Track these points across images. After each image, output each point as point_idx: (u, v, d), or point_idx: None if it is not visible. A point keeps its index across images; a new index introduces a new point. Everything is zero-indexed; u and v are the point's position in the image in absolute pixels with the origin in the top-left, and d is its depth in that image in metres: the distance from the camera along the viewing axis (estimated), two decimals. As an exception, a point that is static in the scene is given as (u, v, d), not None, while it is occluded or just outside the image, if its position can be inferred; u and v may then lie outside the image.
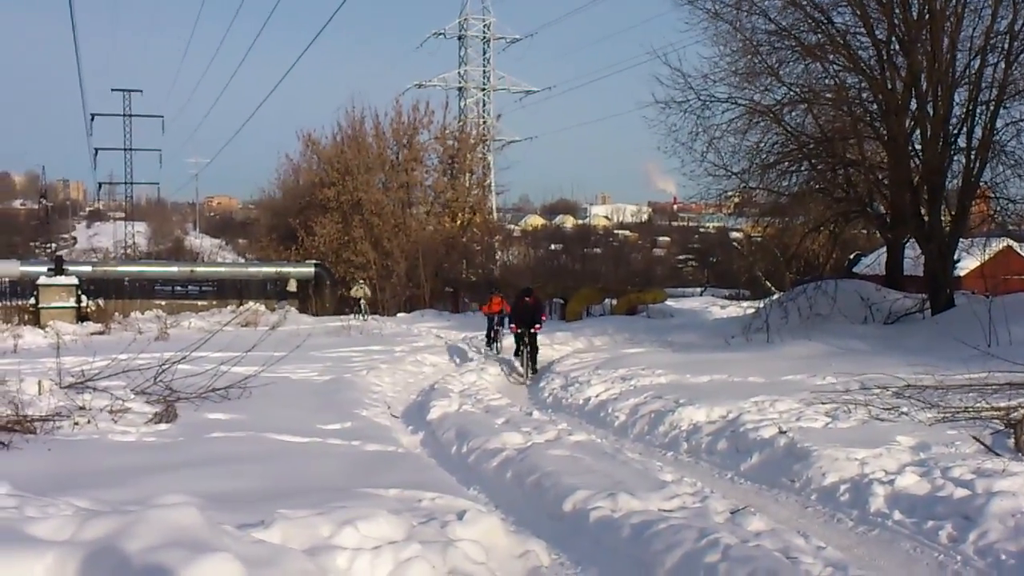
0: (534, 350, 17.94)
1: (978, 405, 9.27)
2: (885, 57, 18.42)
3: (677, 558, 5.26)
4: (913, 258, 20.48)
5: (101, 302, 37.95)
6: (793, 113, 20.12)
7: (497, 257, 48.25)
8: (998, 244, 22.31)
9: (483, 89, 59.03)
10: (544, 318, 19.10)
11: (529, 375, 17.57)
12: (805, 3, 18.86)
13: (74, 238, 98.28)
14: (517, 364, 18.32)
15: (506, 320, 20.59)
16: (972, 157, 17.69)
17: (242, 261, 59.33)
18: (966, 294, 20.19)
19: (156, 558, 3.44)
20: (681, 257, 67.53)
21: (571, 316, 30.41)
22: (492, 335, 21.05)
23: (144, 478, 6.78)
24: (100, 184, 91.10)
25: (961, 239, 18.70)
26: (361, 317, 32.59)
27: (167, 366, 11.69)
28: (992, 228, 19.87)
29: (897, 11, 17.99)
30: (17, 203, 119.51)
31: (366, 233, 42.26)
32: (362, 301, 34.06)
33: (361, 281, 35.77)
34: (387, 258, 41.80)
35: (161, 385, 11.27)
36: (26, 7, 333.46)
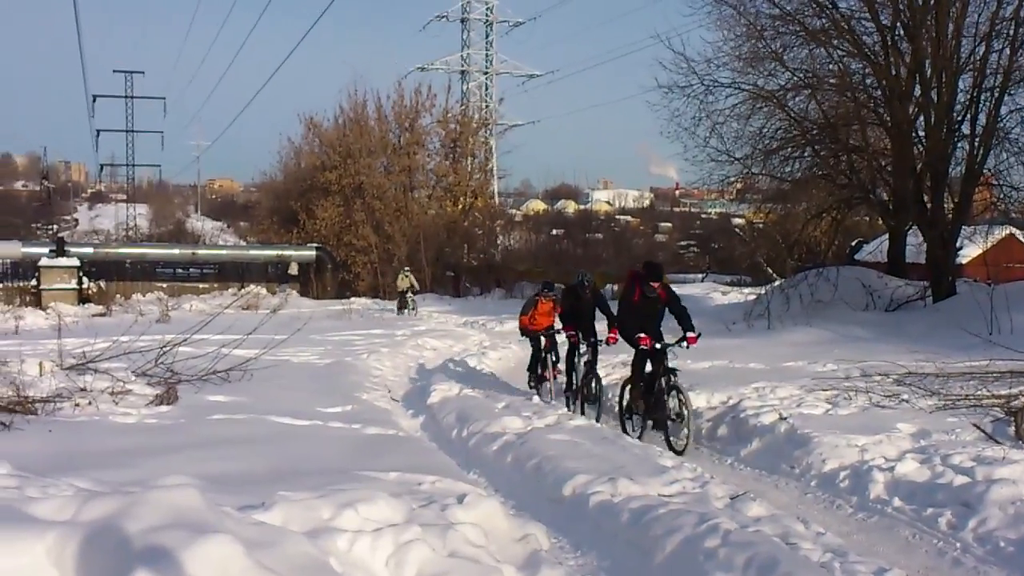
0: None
1: (979, 393, 9.28)
2: (889, 43, 18.34)
3: (677, 543, 5.27)
4: (915, 245, 20.46)
5: (102, 284, 38.01)
6: (797, 99, 20.07)
7: (498, 241, 48.18)
8: (1000, 232, 22.28)
9: (485, 73, 58.69)
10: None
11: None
12: (810, -13, 18.79)
13: (75, 220, 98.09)
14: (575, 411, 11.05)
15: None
16: (975, 144, 17.65)
17: (243, 244, 59.30)
18: (968, 282, 20.16)
19: (157, 539, 3.44)
20: (683, 243, 67.41)
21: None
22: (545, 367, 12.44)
23: (145, 459, 6.79)
24: (102, 166, 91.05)
25: (963, 226, 18.69)
26: (409, 311, 27.78)
27: (168, 348, 11.70)
28: (995, 215, 19.85)
29: (902, -4, 17.92)
30: (19, 184, 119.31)
31: (367, 217, 42.20)
32: (409, 293, 28.59)
33: (407, 269, 29.96)
34: (388, 242, 41.76)
35: (162, 367, 11.28)
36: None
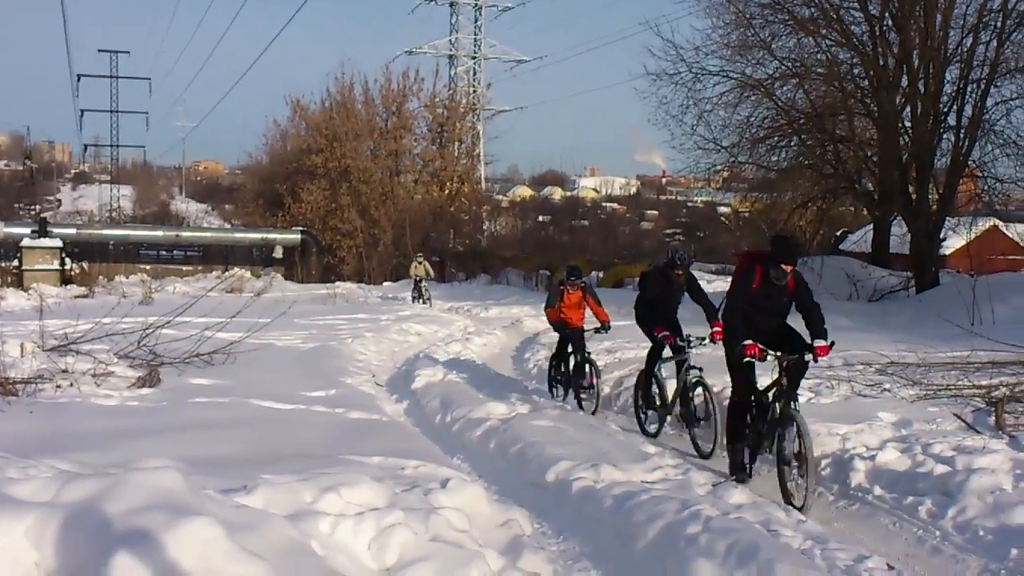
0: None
1: (960, 383, 9.32)
2: (878, 33, 18.38)
3: (658, 529, 5.29)
4: (899, 236, 20.57)
5: (85, 265, 37.84)
6: (784, 88, 20.12)
7: (485, 227, 48.14)
8: (984, 223, 22.40)
9: (474, 58, 58.42)
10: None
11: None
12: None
13: (59, 200, 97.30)
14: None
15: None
16: (961, 135, 17.73)
17: (228, 227, 59.01)
18: (951, 273, 20.29)
19: (138, 521, 3.43)
20: (669, 231, 67.55)
21: (558, 288, 30.30)
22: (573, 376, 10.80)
23: (126, 442, 6.75)
24: (86, 146, 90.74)
25: (948, 217, 18.79)
26: (423, 302, 25.75)
27: (151, 330, 11.62)
28: (979, 207, 19.96)
29: (891, -14, 17.95)
30: (1, 164, 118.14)
31: (353, 201, 42.09)
32: (423, 282, 26.45)
33: (419, 256, 27.51)
34: (374, 226, 41.66)
35: (145, 349, 11.21)
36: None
